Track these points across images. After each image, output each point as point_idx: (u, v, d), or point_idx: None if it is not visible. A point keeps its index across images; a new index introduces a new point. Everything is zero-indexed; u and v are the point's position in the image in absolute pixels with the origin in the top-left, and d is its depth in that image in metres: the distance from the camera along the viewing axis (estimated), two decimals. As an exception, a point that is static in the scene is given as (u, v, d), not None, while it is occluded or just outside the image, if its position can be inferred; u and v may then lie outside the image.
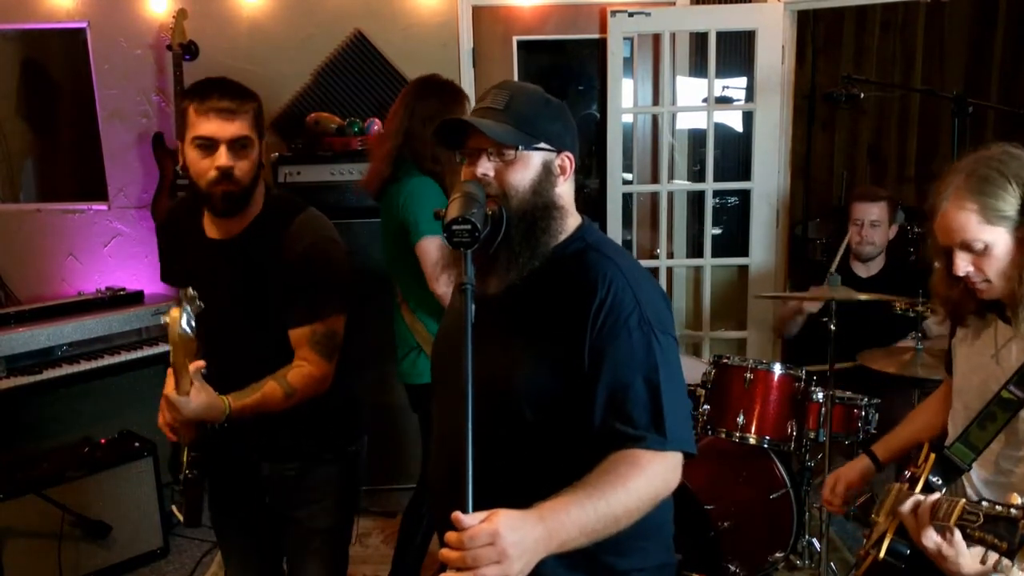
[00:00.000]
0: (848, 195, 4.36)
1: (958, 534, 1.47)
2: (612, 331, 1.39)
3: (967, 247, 1.70)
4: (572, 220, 1.54)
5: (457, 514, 1.21)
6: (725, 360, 3.09)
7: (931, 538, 1.53)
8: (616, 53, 4.10)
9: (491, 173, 1.46)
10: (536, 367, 1.43)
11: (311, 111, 3.98)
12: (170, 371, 1.79)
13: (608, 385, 1.38)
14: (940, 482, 1.75)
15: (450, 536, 1.20)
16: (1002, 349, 1.77)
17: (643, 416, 1.38)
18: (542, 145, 1.48)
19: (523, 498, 1.28)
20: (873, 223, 3.40)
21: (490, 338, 1.42)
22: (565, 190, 1.53)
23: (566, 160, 1.52)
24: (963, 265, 1.71)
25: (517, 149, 1.45)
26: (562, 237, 1.51)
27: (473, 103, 1.91)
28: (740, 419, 2.96)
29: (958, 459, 1.75)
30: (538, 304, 1.46)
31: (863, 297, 2.96)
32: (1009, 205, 1.66)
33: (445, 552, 1.21)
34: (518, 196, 1.45)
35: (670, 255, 4.36)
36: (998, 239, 1.67)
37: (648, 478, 1.36)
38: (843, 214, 3.68)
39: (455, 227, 1.35)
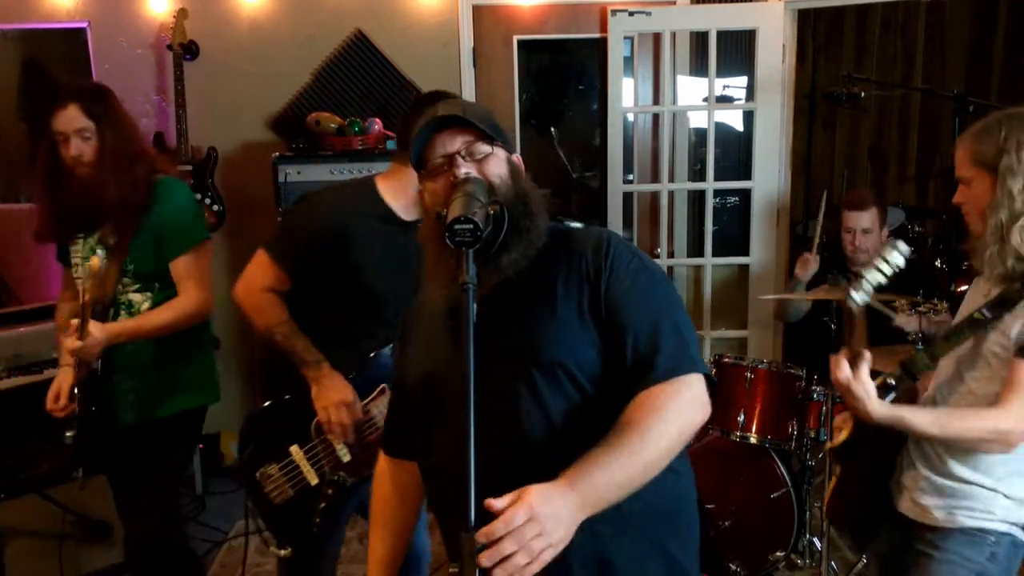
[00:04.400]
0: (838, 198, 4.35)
1: (865, 367, 1.74)
2: (621, 282, 1.45)
3: (960, 179, 1.88)
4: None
5: (489, 501, 1.20)
6: (726, 359, 3.09)
7: (843, 370, 1.76)
8: (616, 52, 4.10)
9: (473, 171, 1.45)
10: (576, 335, 1.45)
11: (311, 111, 3.98)
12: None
13: (633, 326, 1.42)
14: (894, 383, 1.85)
15: (488, 529, 1.19)
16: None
17: (669, 350, 1.40)
18: (502, 144, 1.51)
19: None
20: (865, 230, 3.37)
21: (503, 320, 1.45)
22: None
23: (517, 159, 1.55)
24: (957, 195, 1.90)
25: (493, 143, 1.48)
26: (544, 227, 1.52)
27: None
28: (741, 418, 2.97)
29: (917, 365, 1.85)
30: (544, 278, 1.48)
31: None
32: (989, 152, 1.80)
33: (487, 548, 1.18)
34: (505, 185, 1.47)
35: (671, 254, 4.36)
36: (976, 179, 1.83)
37: (673, 420, 1.36)
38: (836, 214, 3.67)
39: (457, 226, 1.34)
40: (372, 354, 2.24)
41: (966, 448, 1.83)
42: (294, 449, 2.20)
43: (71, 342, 2.25)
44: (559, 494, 1.24)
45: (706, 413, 1.43)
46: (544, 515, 1.20)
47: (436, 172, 1.47)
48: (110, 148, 2.36)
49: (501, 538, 1.17)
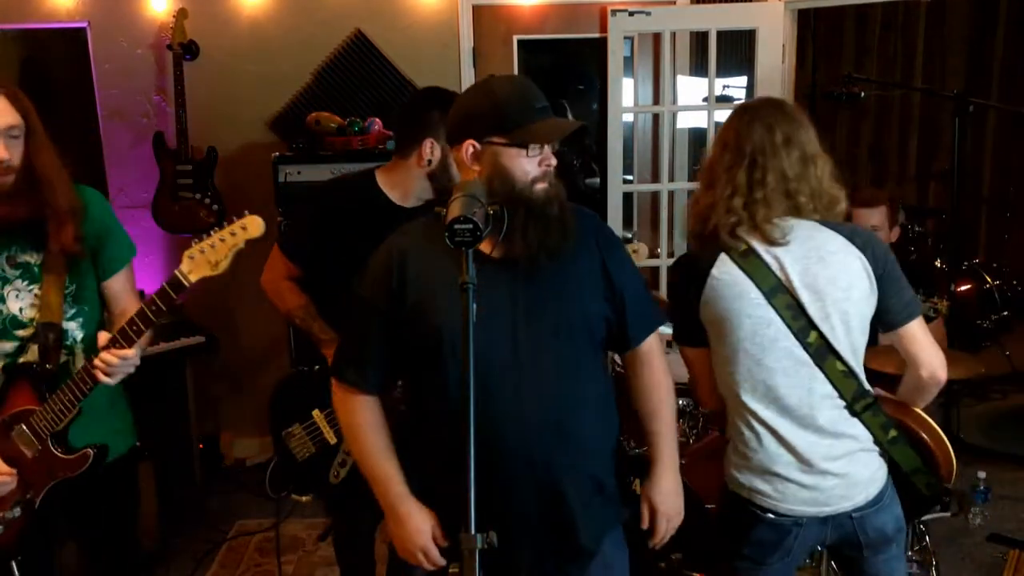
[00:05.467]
0: (849, 196, 4.34)
1: None
2: (614, 255, 1.82)
3: None
4: None
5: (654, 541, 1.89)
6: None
7: None
8: (616, 52, 4.10)
9: (553, 163, 1.70)
10: (593, 296, 1.77)
11: (311, 111, 3.98)
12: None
13: (630, 292, 1.80)
14: None
15: (657, 540, 1.92)
16: None
17: (652, 312, 1.88)
18: None
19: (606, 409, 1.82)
20: (874, 227, 3.39)
21: (554, 288, 1.72)
22: None
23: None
24: None
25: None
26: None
27: None
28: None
29: None
30: (574, 248, 1.73)
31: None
32: None
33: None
34: (557, 186, 1.71)
35: (671, 254, 4.36)
36: None
37: (666, 382, 1.92)
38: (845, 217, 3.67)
39: (457, 226, 1.36)
40: None
41: None
42: (316, 412, 2.43)
43: (112, 357, 1.90)
44: (671, 483, 1.90)
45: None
46: (672, 512, 1.90)
47: (534, 153, 1.67)
48: (45, 146, 1.99)
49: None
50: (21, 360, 2.01)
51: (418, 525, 1.72)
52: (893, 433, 1.92)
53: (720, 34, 4.04)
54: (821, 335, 1.84)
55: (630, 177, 4.37)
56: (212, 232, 1.95)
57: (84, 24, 4.04)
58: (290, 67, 4.10)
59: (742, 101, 4.41)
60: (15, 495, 1.98)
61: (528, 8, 4.19)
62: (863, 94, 4.14)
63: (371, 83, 4.12)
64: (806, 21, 4.57)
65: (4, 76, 3.79)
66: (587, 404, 1.75)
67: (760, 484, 1.91)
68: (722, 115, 4.37)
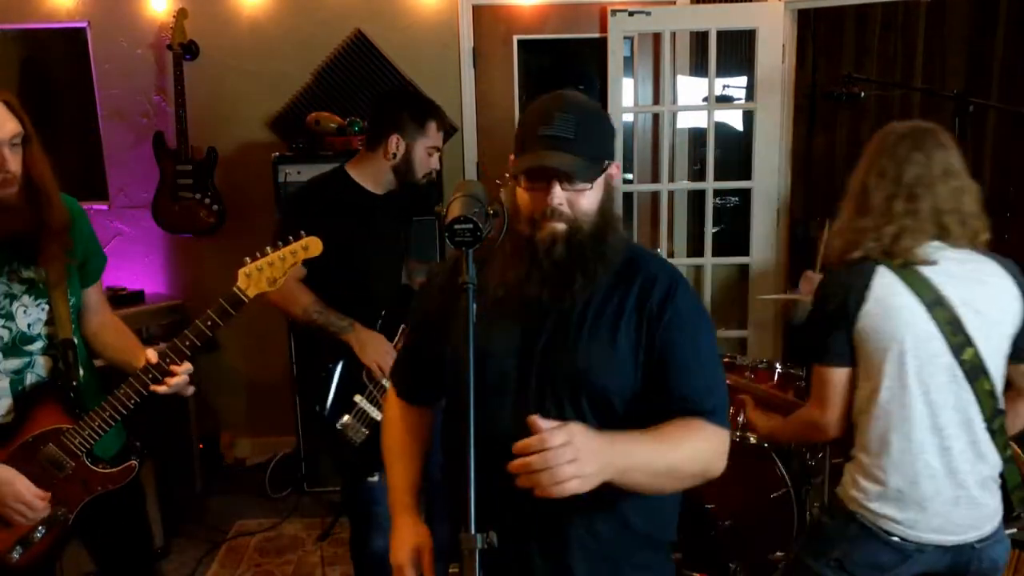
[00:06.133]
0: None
1: None
2: (677, 320, 1.52)
3: None
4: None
5: (533, 417, 1.27)
6: (726, 359, 3.08)
7: None
8: (616, 52, 4.10)
9: (564, 203, 1.49)
10: (621, 362, 1.52)
11: (311, 111, 3.98)
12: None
13: (679, 368, 1.51)
14: None
15: (525, 442, 1.26)
16: None
17: (710, 397, 1.51)
18: (604, 165, 1.53)
19: (612, 488, 1.36)
20: None
21: (568, 340, 1.52)
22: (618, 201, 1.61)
23: (615, 169, 1.58)
24: None
25: (594, 174, 1.50)
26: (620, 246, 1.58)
27: None
28: (741, 418, 2.96)
29: None
30: (610, 304, 1.54)
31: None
32: None
33: (519, 462, 1.25)
34: (589, 219, 1.51)
35: (671, 254, 4.36)
36: None
37: (706, 447, 1.48)
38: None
39: (457, 226, 1.36)
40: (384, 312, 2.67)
41: None
42: (358, 397, 2.60)
43: (177, 378, 1.92)
44: (603, 439, 1.34)
45: (719, 468, 1.51)
46: (582, 446, 1.27)
47: (535, 188, 1.50)
48: (40, 155, 1.89)
49: (535, 453, 1.25)
50: (29, 376, 1.96)
51: (402, 541, 1.65)
52: (1008, 452, 1.94)
53: (720, 34, 4.04)
54: (977, 353, 1.85)
55: (630, 177, 4.37)
56: (270, 250, 1.97)
57: (84, 24, 4.04)
58: (290, 67, 4.10)
59: (741, 101, 4.39)
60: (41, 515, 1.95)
61: (528, 8, 4.18)
62: (863, 94, 4.13)
63: (371, 83, 4.12)
64: (806, 21, 4.56)
65: (3, 78, 3.79)
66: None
67: (891, 510, 1.90)
68: (722, 115, 4.37)
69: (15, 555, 1.94)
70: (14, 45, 4.18)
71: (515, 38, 4.22)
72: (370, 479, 2.61)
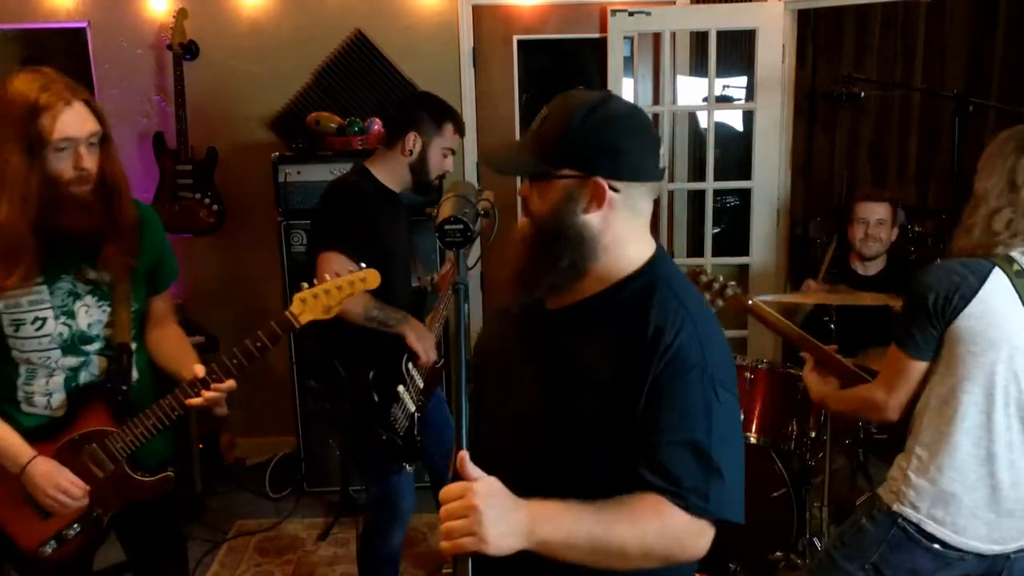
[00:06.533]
0: (849, 195, 4.35)
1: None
2: (672, 381, 1.31)
3: None
4: (633, 252, 1.42)
5: (462, 454, 1.22)
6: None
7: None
8: (616, 52, 4.10)
9: (528, 196, 1.43)
10: (590, 398, 1.36)
11: (311, 111, 3.98)
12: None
13: (658, 436, 1.30)
14: None
15: (445, 489, 1.22)
16: None
17: (686, 477, 1.28)
18: (565, 172, 1.36)
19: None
20: (879, 221, 3.40)
21: (546, 359, 1.43)
22: (597, 220, 1.37)
23: (597, 187, 1.35)
24: None
25: (533, 179, 1.41)
26: (617, 268, 1.41)
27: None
28: (741, 418, 2.96)
29: None
30: (600, 335, 1.39)
31: (859, 302, 2.95)
32: None
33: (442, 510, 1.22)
34: (539, 221, 1.40)
35: (671, 254, 4.36)
36: None
37: (664, 531, 1.28)
38: (843, 213, 3.67)
39: (447, 227, 1.35)
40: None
41: None
42: (400, 389, 2.70)
43: (217, 393, 1.93)
44: (512, 504, 1.23)
45: (694, 555, 1.33)
46: (481, 506, 1.18)
47: (524, 198, 1.45)
48: (115, 155, 1.94)
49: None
50: (83, 375, 1.98)
51: None
52: None
53: (720, 34, 4.04)
54: None
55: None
56: (328, 278, 1.97)
57: (84, 24, 4.04)
58: (290, 67, 4.10)
59: (741, 101, 4.40)
60: (78, 512, 1.96)
61: (528, 8, 4.18)
62: (863, 94, 4.13)
63: (371, 83, 4.12)
64: (806, 21, 4.56)
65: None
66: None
67: (940, 512, 1.89)
68: (722, 115, 4.37)
69: (48, 549, 1.95)
70: (14, 45, 4.18)
71: (515, 38, 4.22)
72: (409, 468, 2.73)
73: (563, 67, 4.56)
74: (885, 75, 4.94)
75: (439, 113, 2.74)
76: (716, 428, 1.31)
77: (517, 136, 4.33)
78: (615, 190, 1.36)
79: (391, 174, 2.73)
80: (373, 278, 2.00)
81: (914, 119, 4.99)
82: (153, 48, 4.07)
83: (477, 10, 4.15)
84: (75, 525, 1.96)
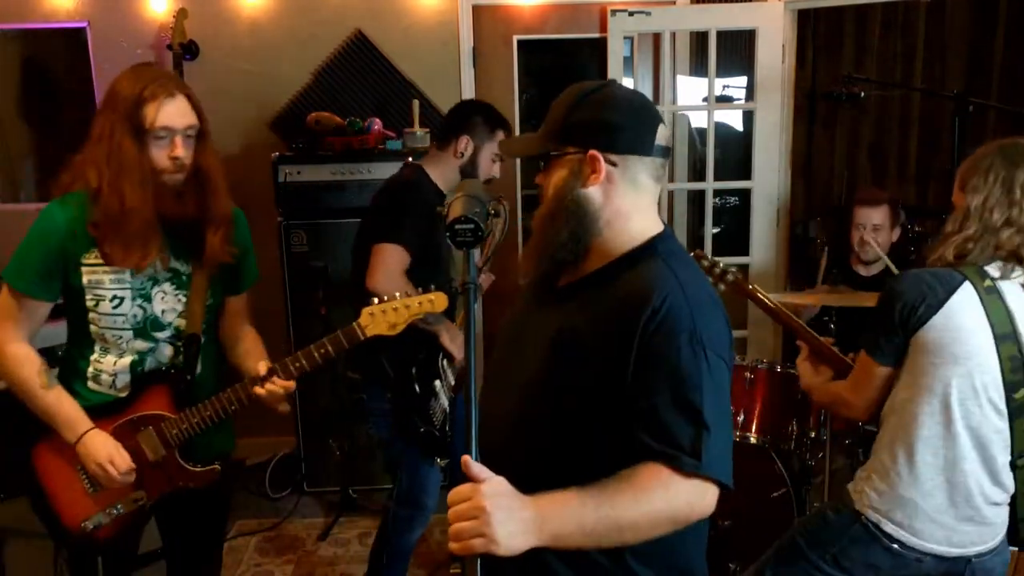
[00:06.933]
0: (849, 194, 4.35)
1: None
2: (660, 345, 1.33)
3: None
4: (636, 228, 1.46)
5: (465, 457, 1.24)
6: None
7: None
8: (616, 52, 4.10)
9: (542, 180, 1.51)
10: (584, 366, 1.39)
11: (311, 111, 3.98)
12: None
13: (649, 399, 1.32)
14: None
15: (454, 491, 1.25)
16: None
17: (679, 435, 1.30)
18: (569, 149, 1.43)
19: (560, 484, 1.29)
20: (876, 227, 3.38)
21: (549, 331, 1.45)
22: (598, 194, 1.43)
23: (594, 160, 1.41)
24: None
25: (554, 152, 1.46)
26: (619, 243, 1.45)
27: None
28: (741, 418, 2.96)
29: None
30: (596, 306, 1.43)
31: (860, 302, 2.95)
32: None
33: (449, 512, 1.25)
34: (547, 199, 1.47)
35: (670, 254, 4.36)
36: None
37: (669, 496, 1.30)
38: (844, 213, 3.67)
39: (458, 226, 1.36)
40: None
41: None
42: (436, 383, 2.79)
43: (277, 387, 2.00)
44: (519, 503, 1.25)
45: (701, 514, 1.36)
46: (489, 507, 1.21)
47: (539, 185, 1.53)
48: (212, 149, 2.06)
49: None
50: (149, 360, 2.03)
51: None
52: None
53: (720, 34, 4.04)
54: None
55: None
56: (398, 296, 2.02)
57: (84, 24, 4.04)
58: (290, 67, 4.10)
59: (741, 101, 4.40)
60: (125, 492, 2.01)
61: (528, 8, 4.19)
62: (863, 94, 4.13)
63: (371, 83, 4.12)
64: (806, 21, 4.56)
65: (3, 78, 3.78)
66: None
67: (898, 515, 1.91)
68: (722, 115, 4.37)
69: (90, 525, 2.01)
70: (14, 45, 4.18)
71: (515, 38, 4.22)
72: (441, 462, 2.81)
73: (563, 67, 4.56)
74: (885, 75, 4.94)
75: (493, 120, 2.83)
76: (707, 389, 1.32)
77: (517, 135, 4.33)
78: (612, 163, 1.42)
79: (442, 175, 2.80)
80: (441, 301, 2.03)
81: (914, 119, 4.99)
82: (153, 48, 4.07)
83: (477, 10, 4.15)
84: (119, 505, 2.01)
